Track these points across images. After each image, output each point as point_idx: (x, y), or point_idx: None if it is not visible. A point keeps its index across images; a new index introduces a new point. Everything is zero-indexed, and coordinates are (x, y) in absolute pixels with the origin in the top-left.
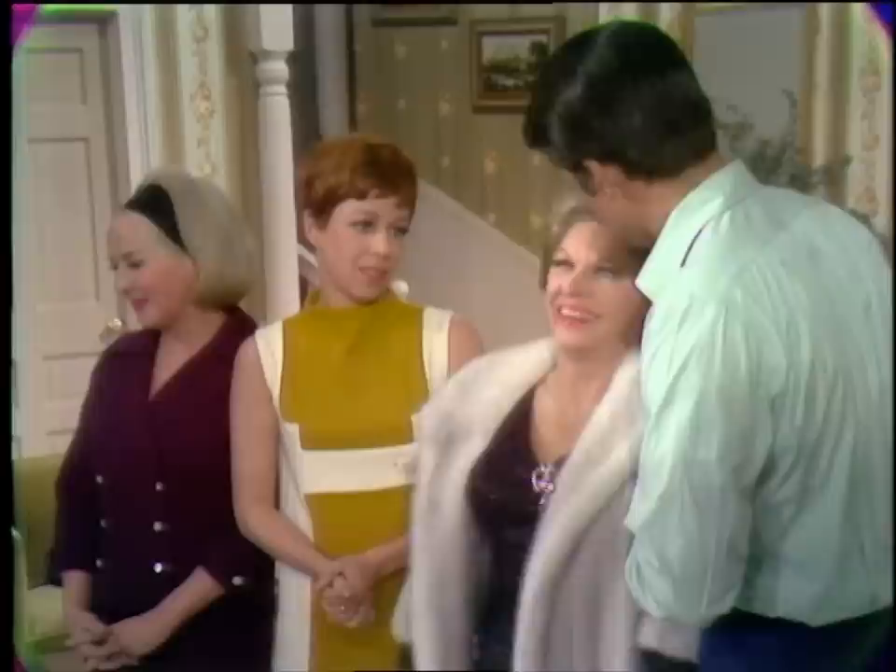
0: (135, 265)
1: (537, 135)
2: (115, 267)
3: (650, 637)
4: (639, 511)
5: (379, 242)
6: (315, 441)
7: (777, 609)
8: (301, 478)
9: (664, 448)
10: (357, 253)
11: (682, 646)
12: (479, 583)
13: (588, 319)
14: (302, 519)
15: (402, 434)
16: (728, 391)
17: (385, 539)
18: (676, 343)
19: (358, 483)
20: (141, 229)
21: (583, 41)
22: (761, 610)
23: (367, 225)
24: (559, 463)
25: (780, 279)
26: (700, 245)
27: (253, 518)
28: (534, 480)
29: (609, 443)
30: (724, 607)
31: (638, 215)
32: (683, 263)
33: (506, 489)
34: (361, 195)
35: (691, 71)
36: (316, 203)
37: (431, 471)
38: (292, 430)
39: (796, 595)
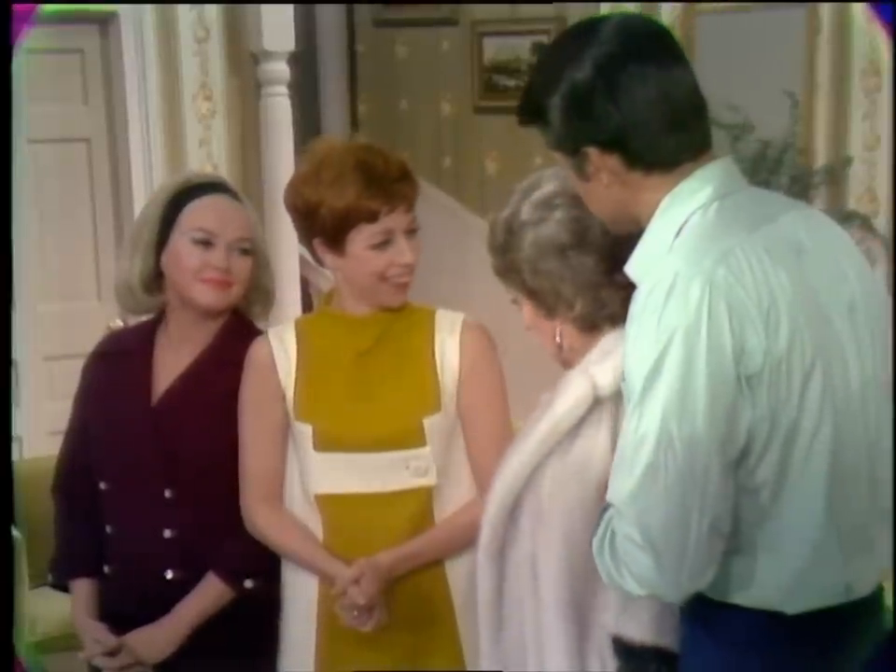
0: (246, 252)
1: (534, 114)
2: (206, 244)
3: (608, 620)
4: (622, 485)
5: (404, 253)
6: (327, 443)
7: (752, 597)
8: (311, 478)
9: (648, 423)
10: (382, 269)
11: (638, 630)
12: None
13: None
14: (308, 519)
15: (414, 437)
16: (712, 368)
17: (394, 542)
18: (660, 320)
19: (370, 486)
20: (251, 218)
21: (591, 27)
22: (737, 599)
23: (385, 242)
24: None
25: (764, 264)
26: (687, 231)
27: (261, 517)
28: None
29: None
30: (704, 582)
31: (630, 202)
32: (670, 249)
33: None
34: (373, 217)
35: (691, 69)
36: (328, 232)
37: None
38: (305, 431)
39: (770, 582)
